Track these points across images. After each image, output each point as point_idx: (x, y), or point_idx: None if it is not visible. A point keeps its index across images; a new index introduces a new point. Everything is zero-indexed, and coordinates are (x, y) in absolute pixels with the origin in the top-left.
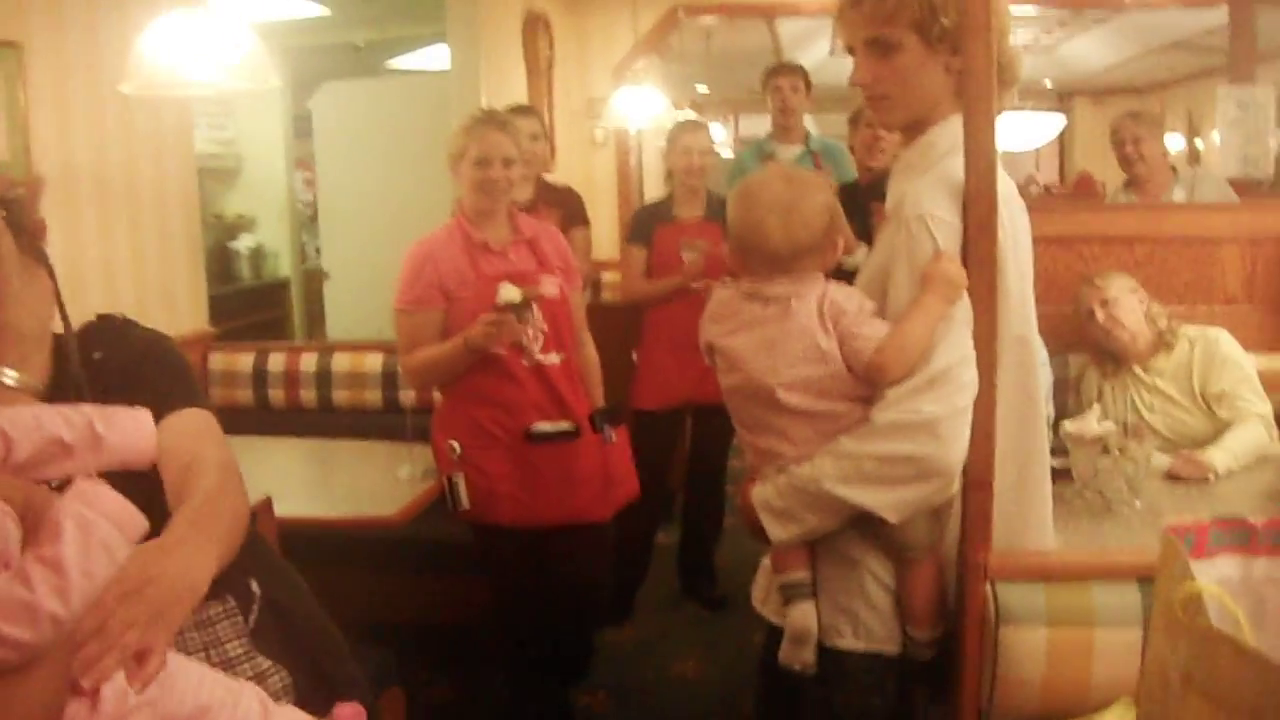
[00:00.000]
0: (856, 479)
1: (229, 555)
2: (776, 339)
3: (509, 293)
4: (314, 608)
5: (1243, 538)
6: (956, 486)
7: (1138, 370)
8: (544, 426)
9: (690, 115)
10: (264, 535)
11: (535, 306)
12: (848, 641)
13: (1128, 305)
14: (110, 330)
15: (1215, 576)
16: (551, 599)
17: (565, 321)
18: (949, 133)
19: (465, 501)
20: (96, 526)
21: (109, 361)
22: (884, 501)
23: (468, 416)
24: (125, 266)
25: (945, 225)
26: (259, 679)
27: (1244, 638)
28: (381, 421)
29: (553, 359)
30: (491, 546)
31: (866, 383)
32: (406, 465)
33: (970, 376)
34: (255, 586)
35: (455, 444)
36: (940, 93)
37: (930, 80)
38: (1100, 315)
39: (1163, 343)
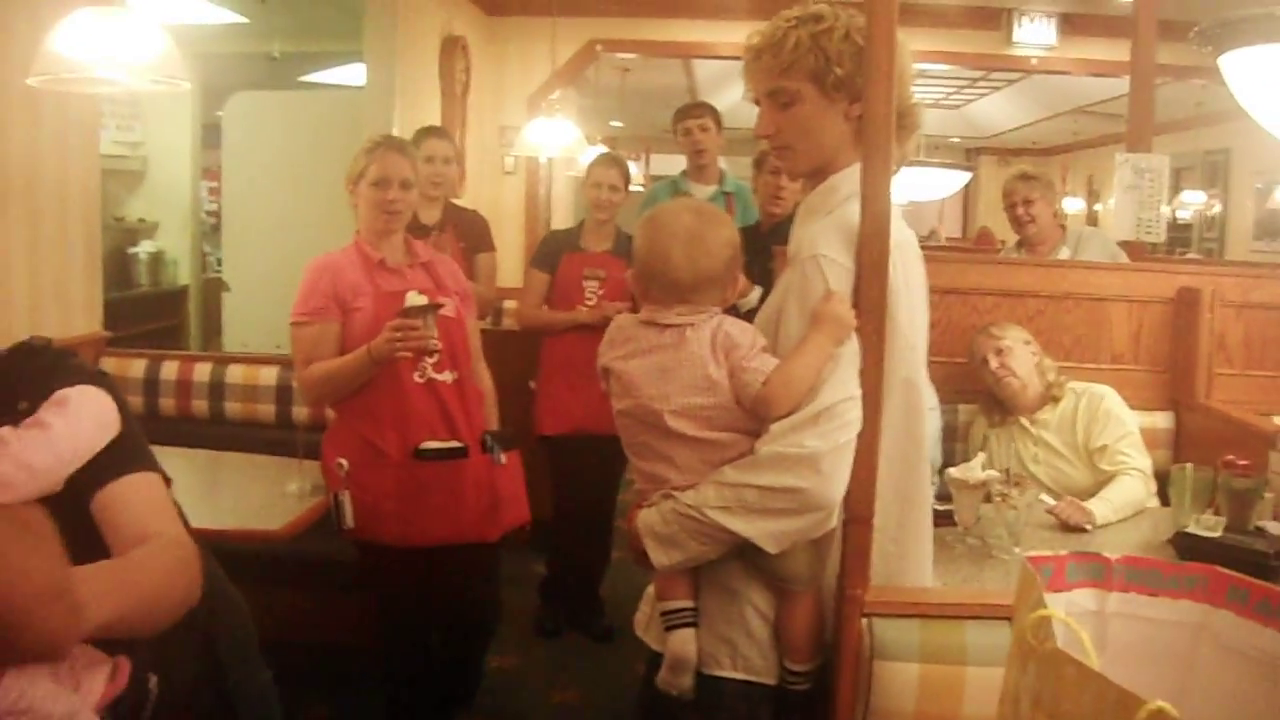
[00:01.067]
0: (738, 508)
1: (135, 622)
2: (669, 366)
3: (417, 298)
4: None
5: (1098, 572)
6: (836, 521)
7: (1024, 421)
8: (433, 444)
9: (602, 149)
10: (238, 640)
11: (433, 320)
12: (725, 670)
13: (1021, 356)
14: (35, 371)
15: (1069, 608)
16: (436, 619)
17: (460, 342)
18: (850, 179)
19: (350, 520)
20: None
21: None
22: (763, 531)
23: (357, 434)
24: (20, 262)
25: (837, 267)
26: None
27: (1088, 660)
28: (273, 436)
29: (446, 377)
30: (376, 565)
31: (754, 415)
32: (296, 481)
33: (854, 414)
34: (153, 684)
35: (344, 461)
36: (840, 140)
37: (829, 129)
38: (994, 363)
39: (1050, 396)
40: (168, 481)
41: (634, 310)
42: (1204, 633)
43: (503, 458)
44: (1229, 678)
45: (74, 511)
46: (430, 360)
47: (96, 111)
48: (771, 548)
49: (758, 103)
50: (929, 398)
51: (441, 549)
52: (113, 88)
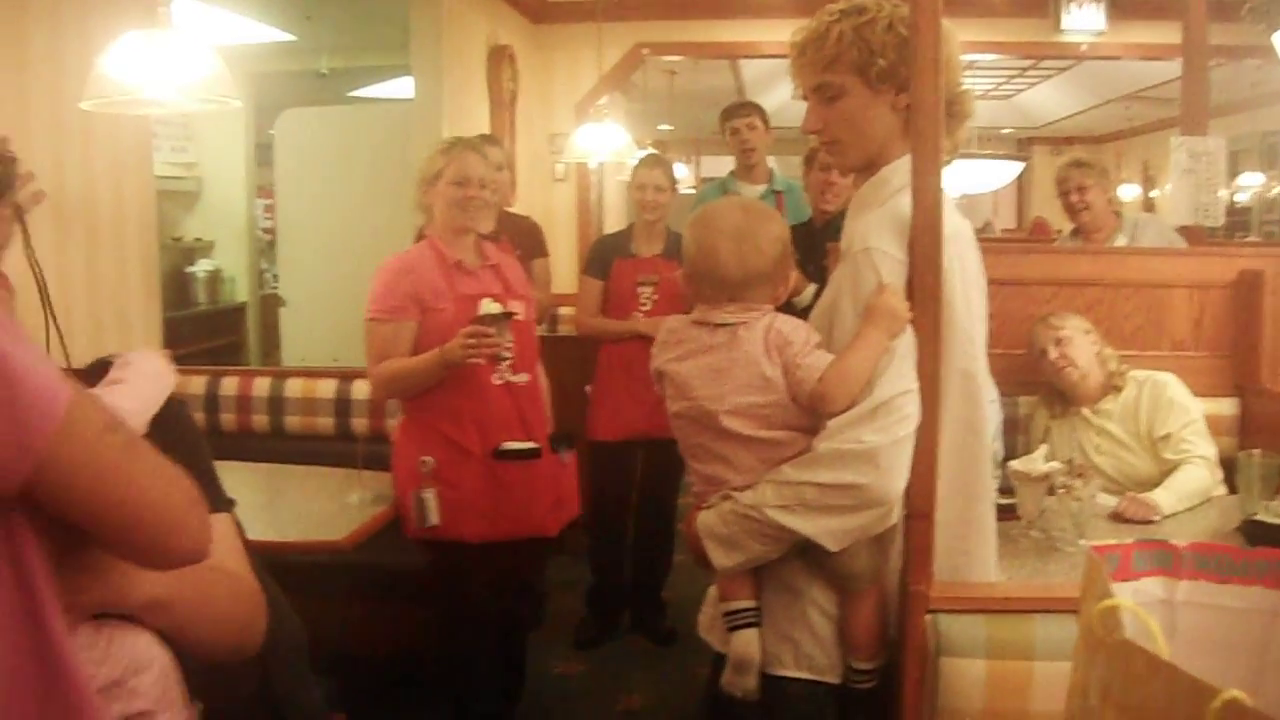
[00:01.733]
0: (797, 506)
1: (183, 621)
2: (723, 366)
3: (491, 306)
4: None
5: (1165, 561)
6: (897, 517)
7: (1086, 412)
8: (512, 444)
9: (650, 152)
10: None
11: (506, 328)
12: (789, 669)
13: (1081, 346)
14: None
15: (1137, 597)
16: (501, 615)
17: (530, 344)
18: (902, 170)
19: (436, 517)
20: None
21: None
22: (823, 529)
23: (439, 432)
24: (79, 284)
25: (890, 259)
26: None
27: (1157, 649)
28: (333, 448)
29: (520, 379)
30: (454, 562)
31: (809, 412)
32: (356, 492)
33: (912, 408)
34: (199, 713)
35: (429, 459)
36: (889, 132)
37: (877, 121)
38: (1053, 354)
39: (1111, 385)
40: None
41: (688, 313)
42: (1277, 619)
43: (567, 458)
44: None
45: None
46: (506, 363)
47: (149, 133)
48: (832, 545)
49: (806, 99)
50: (989, 390)
51: (510, 544)
52: (164, 109)
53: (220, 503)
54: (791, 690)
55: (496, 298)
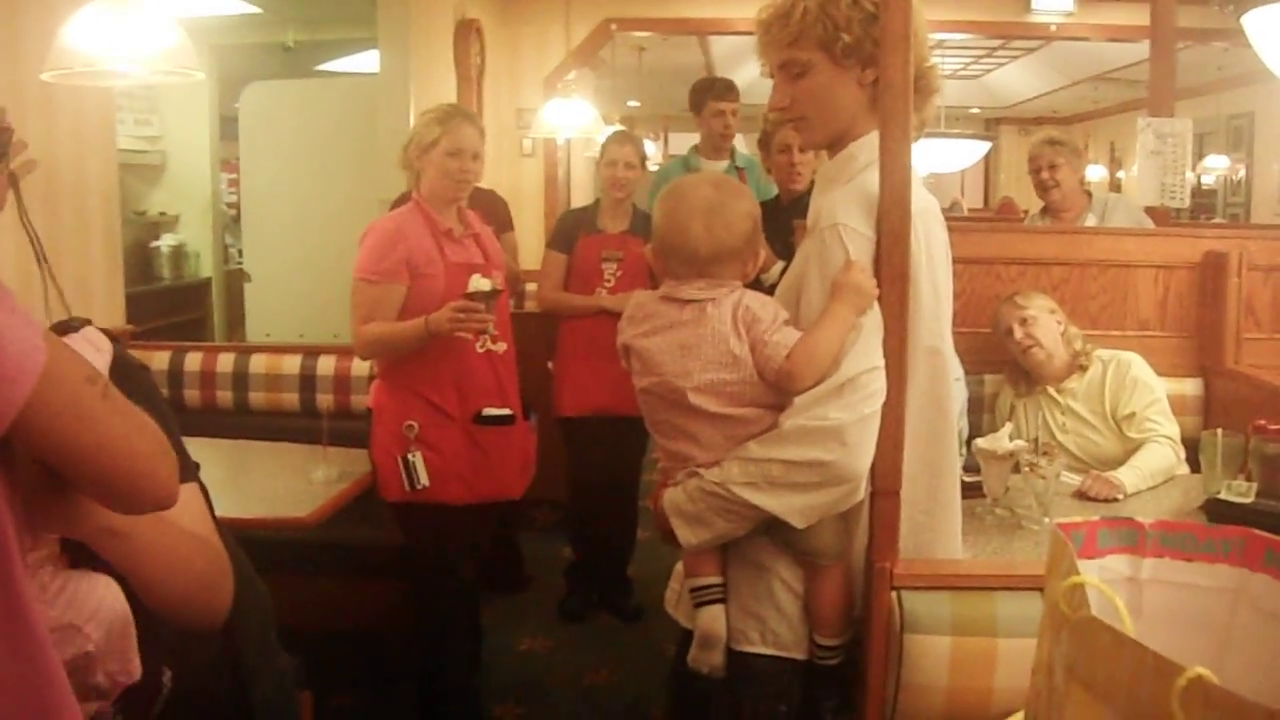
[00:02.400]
0: (763, 483)
1: (145, 570)
2: (691, 342)
3: (481, 282)
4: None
5: (1131, 538)
6: (863, 494)
7: (1051, 391)
8: (492, 410)
9: (619, 129)
10: (256, 627)
11: (494, 305)
12: (755, 646)
13: (1046, 325)
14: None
15: (1102, 574)
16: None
17: (506, 314)
18: (869, 146)
19: (425, 478)
20: None
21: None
22: (789, 506)
23: (420, 397)
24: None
25: (857, 236)
26: None
27: (1123, 627)
28: (298, 424)
29: (499, 348)
30: (435, 526)
31: (777, 389)
32: (321, 468)
33: (878, 385)
34: (167, 678)
35: (414, 423)
36: (855, 108)
37: (844, 96)
38: (1019, 333)
39: (1077, 365)
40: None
41: (654, 288)
42: (1241, 597)
43: (533, 423)
44: (1268, 643)
45: None
46: (489, 332)
47: (112, 106)
48: (799, 522)
49: (772, 76)
50: (954, 368)
51: (482, 506)
52: (127, 81)
53: (186, 470)
54: (757, 666)
55: (479, 269)
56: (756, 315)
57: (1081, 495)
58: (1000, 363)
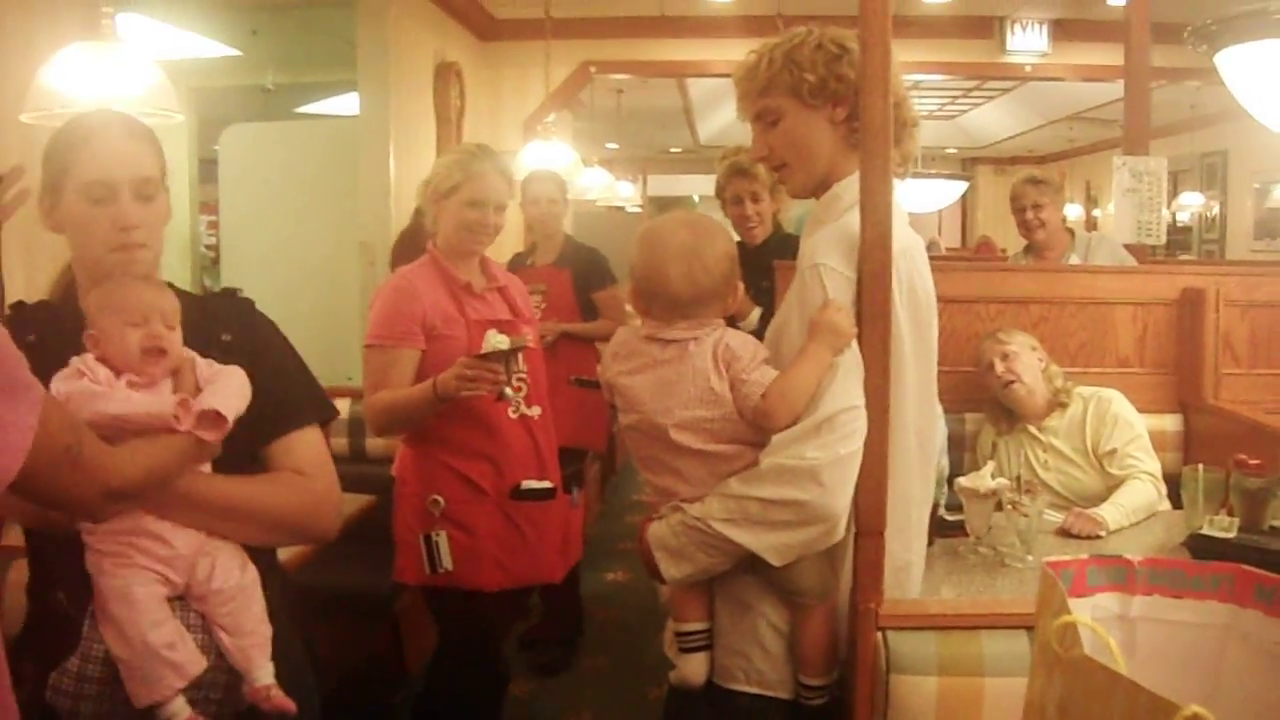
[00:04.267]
0: (741, 520)
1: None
2: (672, 380)
3: (498, 340)
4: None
5: (1120, 575)
6: (842, 533)
7: (1032, 429)
8: (531, 484)
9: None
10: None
11: (515, 362)
12: (739, 684)
13: (1027, 362)
14: (237, 310)
15: (1093, 613)
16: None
17: (541, 373)
18: (853, 186)
19: (448, 561)
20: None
21: (237, 347)
22: (766, 544)
23: (451, 470)
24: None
25: (837, 275)
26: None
27: (1116, 665)
28: None
29: (535, 411)
30: (466, 609)
31: (754, 427)
32: None
33: (857, 425)
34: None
35: (439, 499)
36: (831, 147)
37: (817, 136)
38: (1000, 368)
39: (1057, 402)
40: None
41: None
42: (1231, 634)
43: (579, 499)
44: (1260, 679)
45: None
46: (521, 393)
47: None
48: (775, 560)
49: (753, 130)
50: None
51: (521, 591)
52: None
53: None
54: (740, 705)
55: (505, 325)
56: (736, 353)
57: (1064, 532)
58: (981, 401)
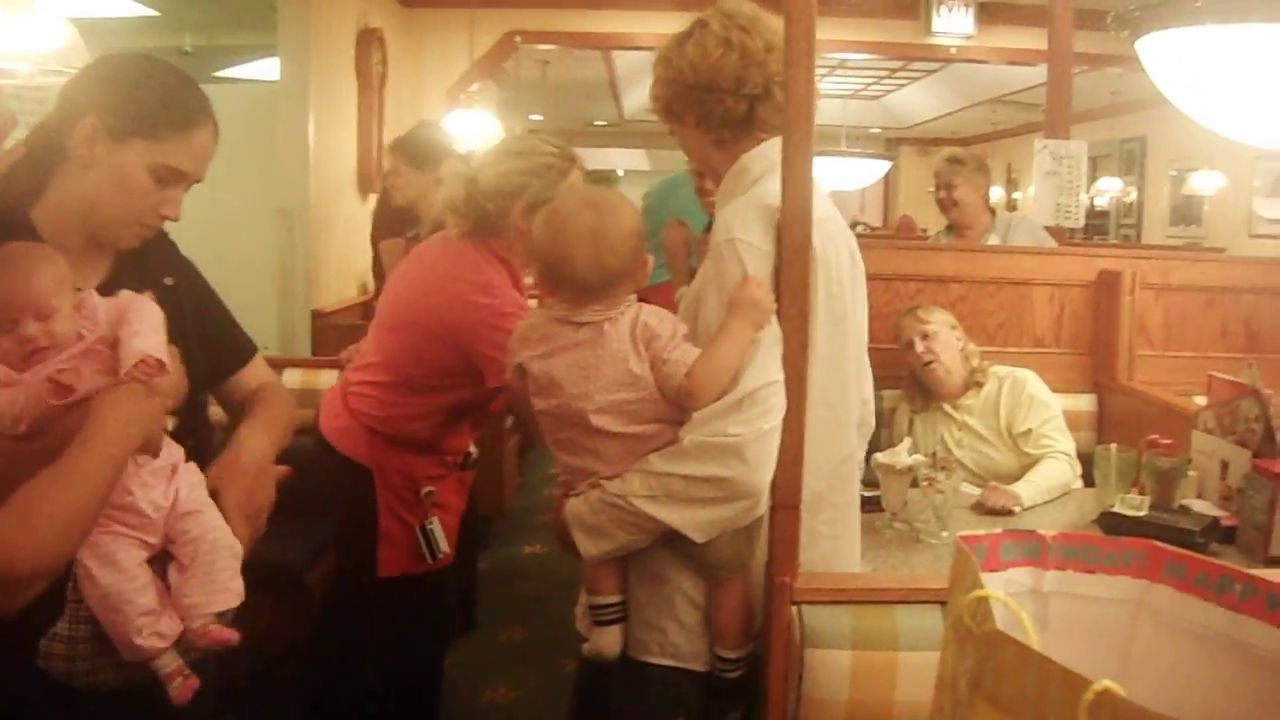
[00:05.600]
0: (664, 497)
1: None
2: (590, 363)
3: None
4: None
5: (1033, 550)
6: (764, 508)
7: (947, 407)
8: (473, 450)
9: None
10: None
11: None
12: (654, 657)
13: (946, 341)
14: (169, 252)
15: (1006, 587)
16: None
17: None
18: (759, 157)
19: (445, 544)
20: None
21: (183, 289)
22: (689, 521)
23: (436, 452)
24: None
25: (753, 249)
26: None
27: (1028, 640)
28: None
29: None
30: (439, 588)
31: (677, 407)
32: None
33: (778, 400)
34: None
35: (433, 490)
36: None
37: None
38: (919, 347)
39: (974, 381)
40: None
41: None
42: (1142, 609)
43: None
44: (1169, 654)
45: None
46: None
47: (4, 107)
48: (699, 537)
49: None
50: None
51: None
52: (14, 80)
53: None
54: (655, 677)
55: None
56: (655, 332)
57: (979, 507)
58: (898, 378)
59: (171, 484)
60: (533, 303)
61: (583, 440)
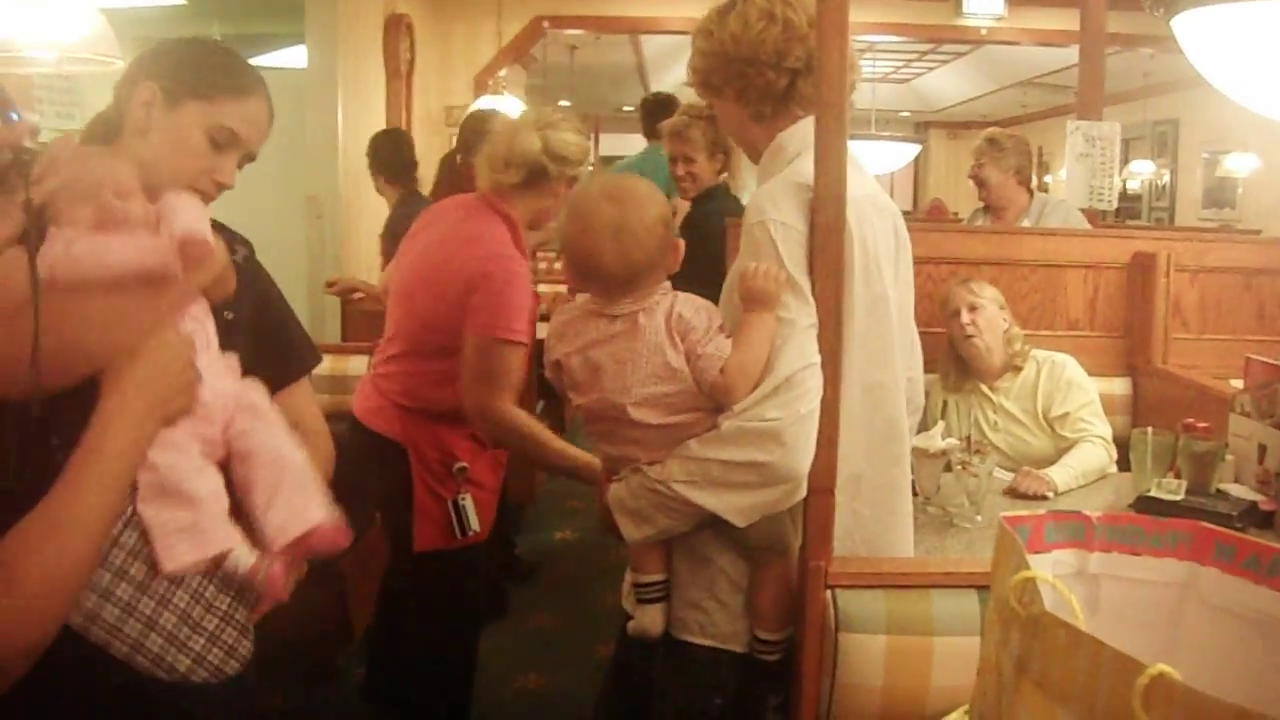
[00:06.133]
0: (704, 483)
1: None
2: (625, 357)
3: None
4: None
5: (1078, 532)
6: (804, 492)
7: (984, 388)
8: None
9: None
10: None
11: None
12: (694, 636)
13: (991, 317)
14: (240, 279)
15: (1053, 569)
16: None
17: None
18: (795, 136)
19: (476, 522)
20: None
21: (239, 324)
22: (730, 506)
23: (468, 434)
24: None
25: (785, 229)
26: None
27: (1077, 622)
28: None
29: None
30: (473, 567)
31: (713, 400)
32: None
33: (814, 382)
34: None
35: (464, 464)
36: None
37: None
38: (965, 317)
39: (1012, 364)
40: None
41: None
42: (1190, 591)
43: None
44: (1218, 637)
45: None
46: None
47: (30, 95)
48: (739, 521)
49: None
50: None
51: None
52: (43, 68)
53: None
54: (694, 656)
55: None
56: (690, 324)
57: (1012, 492)
58: (932, 361)
59: (228, 380)
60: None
61: (622, 431)
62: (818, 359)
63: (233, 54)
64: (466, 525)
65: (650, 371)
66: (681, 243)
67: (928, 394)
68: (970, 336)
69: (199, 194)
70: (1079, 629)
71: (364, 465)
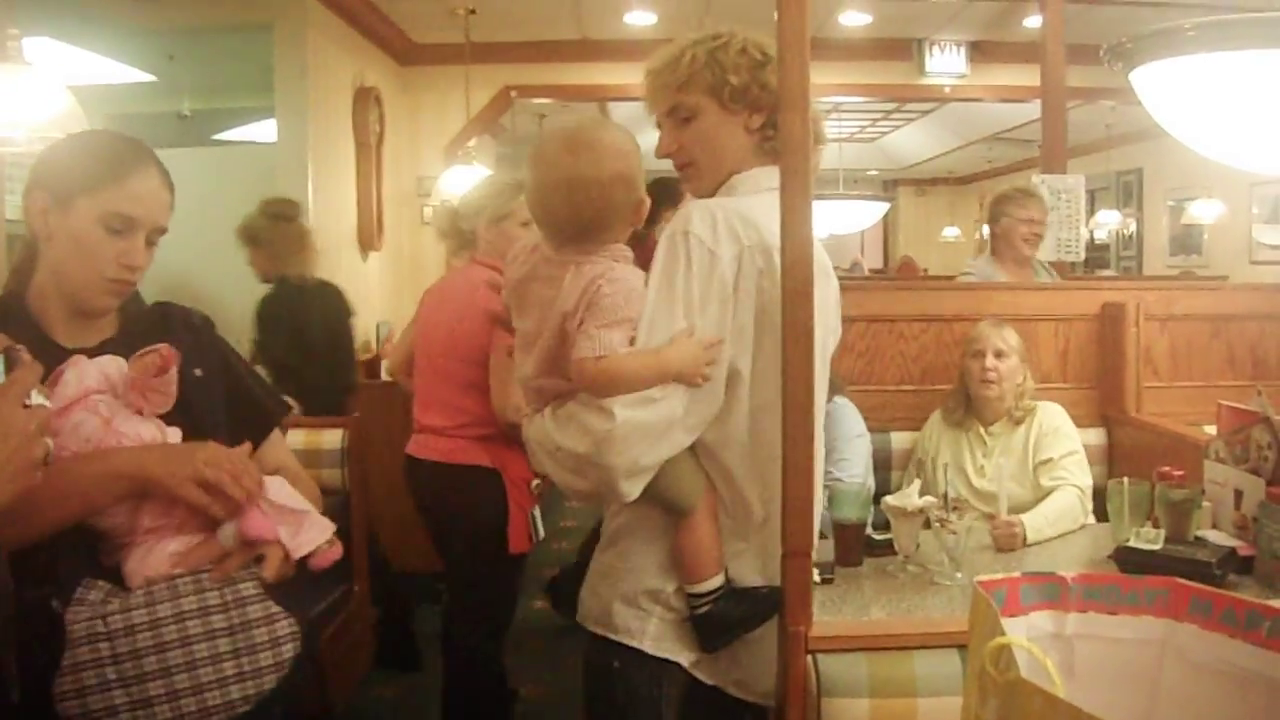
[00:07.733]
0: (544, 453)
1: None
2: (547, 303)
3: None
4: None
5: (1054, 593)
6: (633, 495)
7: (981, 430)
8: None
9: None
10: None
11: None
12: (633, 640)
13: (1012, 368)
14: (203, 342)
15: (1028, 632)
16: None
17: None
18: (751, 179)
19: (543, 531)
20: None
21: (209, 381)
22: (558, 479)
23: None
24: None
25: (702, 248)
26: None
27: (1054, 688)
28: None
29: None
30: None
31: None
32: None
33: (662, 394)
34: None
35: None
36: (742, 152)
37: (731, 141)
38: (989, 361)
39: (1015, 419)
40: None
41: None
42: (1168, 649)
43: None
44: (1198, 694)
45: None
46: None
47: (1, 175)
48: (569, 495)
49: (659, 125)
50: (855, 424)
51: None
52: (14, 148)
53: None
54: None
55: None
56: (601, 301)
57: (993, 544)
58: (905, 420)
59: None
60: None
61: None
62: (682, 407)
63: (111, 139)
64: (536, 535)
65: (553, 326)
66: (647, 200)
67: (907, 453)
68: (990, 382)
69: (115, 282)
70: (1055, 695)
71: (459, 493)
